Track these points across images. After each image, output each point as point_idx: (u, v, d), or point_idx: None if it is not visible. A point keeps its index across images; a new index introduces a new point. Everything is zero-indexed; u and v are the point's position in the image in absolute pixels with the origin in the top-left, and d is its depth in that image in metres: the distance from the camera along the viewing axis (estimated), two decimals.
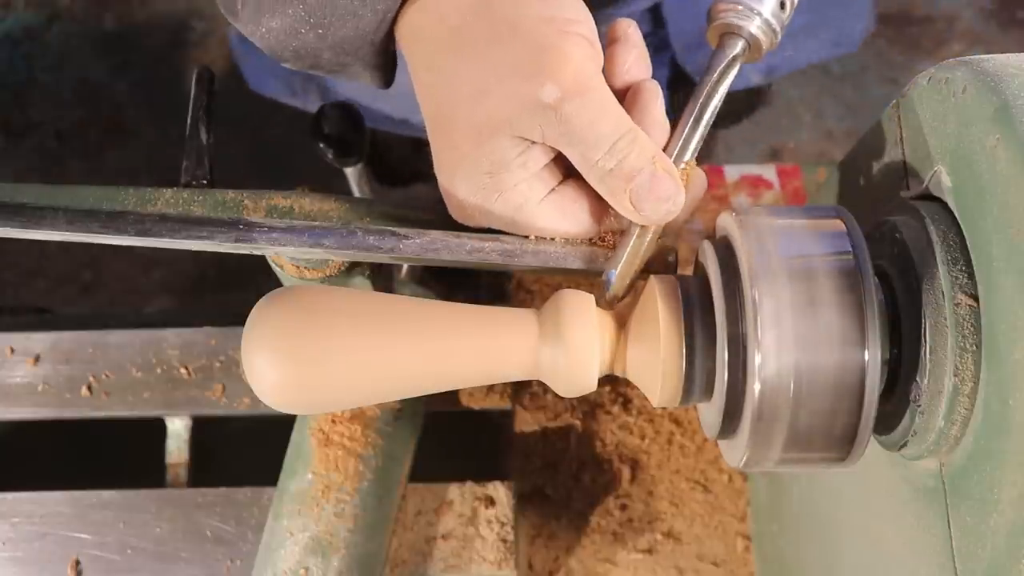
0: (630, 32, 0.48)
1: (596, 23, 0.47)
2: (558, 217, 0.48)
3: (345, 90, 0.92)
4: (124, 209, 0.51)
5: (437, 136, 0.48)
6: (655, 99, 0.47)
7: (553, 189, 0.48)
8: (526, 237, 0.48)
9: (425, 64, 0.48)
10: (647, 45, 0.80)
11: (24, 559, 0.74)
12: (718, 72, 0.48)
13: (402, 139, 1.00)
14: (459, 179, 0.47)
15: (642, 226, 0.46)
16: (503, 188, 0.47)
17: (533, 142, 0.46)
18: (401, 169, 1.12)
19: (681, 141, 0.47)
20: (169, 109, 1.76)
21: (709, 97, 0.48)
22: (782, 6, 0.48)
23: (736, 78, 0.48)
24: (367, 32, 0.49)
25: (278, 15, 0.48)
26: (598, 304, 0.45)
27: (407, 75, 0.51)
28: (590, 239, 0.48)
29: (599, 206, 0.48)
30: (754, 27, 0.48)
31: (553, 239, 0.48)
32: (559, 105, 0.44)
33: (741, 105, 1.36)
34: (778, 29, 0.49)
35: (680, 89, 0.90)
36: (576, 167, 0.46)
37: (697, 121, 0.48)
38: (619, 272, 0.47)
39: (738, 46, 0.48)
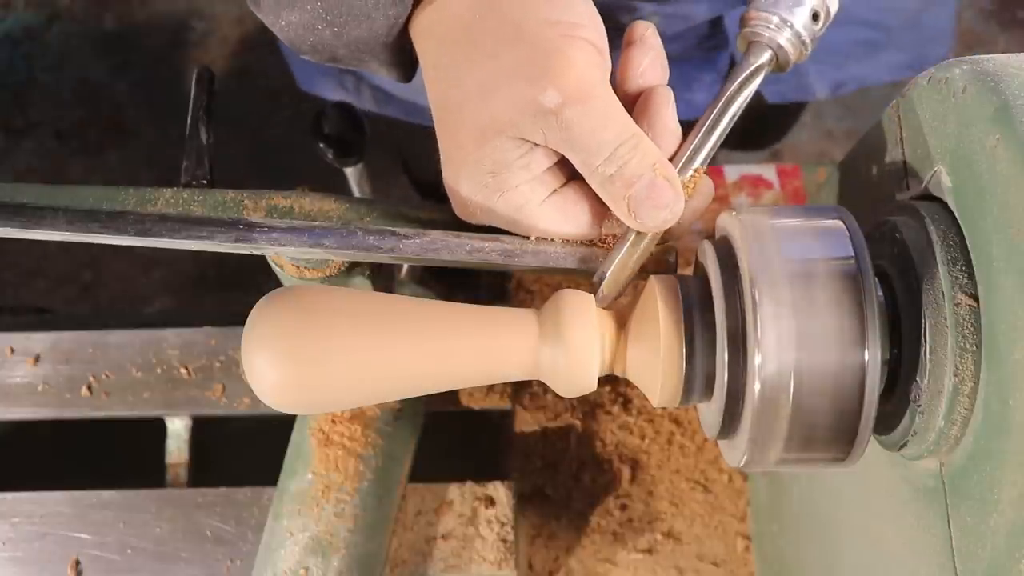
0: (647, 35, 0.48)
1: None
2: (559, 219, 0.48)
3: (394, 85, 0.92)
4: (124, 209, 0.51)
5: (443, 134, 0.48)
6: (666, 104, 0.47)
7: (555, 191, 0.48)
8: (526, 237, 0.48)
9: (434, 63, 0.48)
10: (706, 46, 0.80)
11: (24, 559, 0.74)
12: (739, 81, 0.47)
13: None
14: (462, 177, 0.47)
15: (639, 232, 0.46)
16: (505, 188, 0.47)
17: (535, 144, 0.46)
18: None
19: (692, 148, 0.47)
20: (169, 109, 1.76)
21: (727, 105, 0.47)
22: (815, 18, 0.48)
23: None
24: (380, 34, 0.49)
25: (297, 9, 0.49)
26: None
27: None
28: (591, 241, 0.48)
29: (601, 209, 0.48)
30: (783, 38, 0.47)
31: (553, 240, 0.48)
32: (560, 111, 0.44)
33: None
34: (808, 41, 0.48)
35: None
36: (578, 169, 0.46)
37: (711, 129, 0.47)
38: (611, 274, 0.47)
39: (764, 56, 0.48)
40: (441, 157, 0.49)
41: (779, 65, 0.49)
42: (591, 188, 0.47)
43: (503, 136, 0.45)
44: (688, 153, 0.47)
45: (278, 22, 0.50)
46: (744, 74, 0.48)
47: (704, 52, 0.86)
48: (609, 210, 0.47)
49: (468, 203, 0.48)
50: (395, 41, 0.50)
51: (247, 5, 0.51)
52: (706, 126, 0.47)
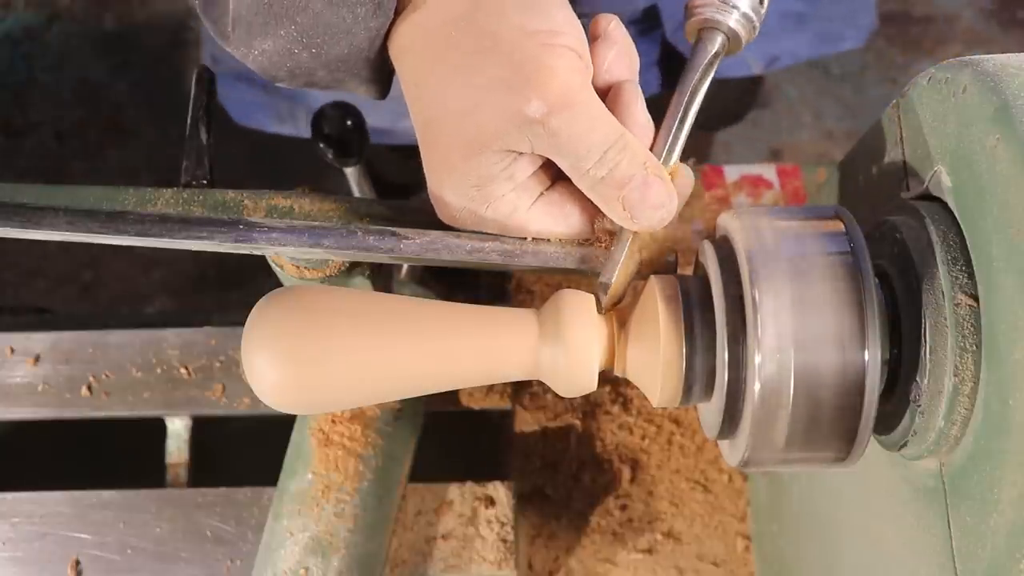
0: (611, 29, 0.47)
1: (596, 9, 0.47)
2: (550, 221, 0.48)
3: None
4: (124, 209, 0.51)
5: (427, 149, 0.48)
6: (636, 100, 0.46)
7: (542, 194, 0.48)
8: (524, 238, 0.48)
9: (414, 80, 0.48)
10: (640, 28, 0.79)
11: (24, 559, 0.74)
12: (700, 70, 0.48)
13: (392, 150, 1.00)
14: (448, 190, 0.47)
15: (635, 232, 0.46)
16: (492, 199, 0.47)
17: (521, 153, 0.46)
18: (398, 180, 1.13)
19: (668, 143, 0.47)
20: (169, 109, 1.76)
21: (693, 95, 0.47)
22: None
23: (736, 66, 0.48)
24: (361, 49, 0.49)
25: (270, 37, 0.48)
26: (596, 309, 0.45)
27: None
28: (586, 239, 0.48)
29: (590, 207, 0.48)
30: (732, 21, 0.47)
31: (552, 240, 0.48)
32: (546, 120, 0.44)
33: (742, 105, 1.36)
34: (756, 22, 0.48)
35: (670, 65, 0.90)
36: (567, 174, 0.46)
37: (682, 121, 0.47)
38: (617, 277, 0.47)
39: (718, 42, 0.48)
40: (425, 170, 0.48)
41: (731, 48, 0.49)
42: (577, 188, 0.47)
43: (489, 150, 0.45)
44: (666, 148, 0.47)
45: (251, 52, 0.49)
46: (704, 63, 0.48)
47: (638, 33, 0.86)
48: (598, 208, 0.47)
49: (456, 214, 0.48)
50: (376, 56, 0.50)
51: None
52: (677, 119, 0.47)
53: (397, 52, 0.49)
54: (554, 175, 0.48)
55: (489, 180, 0.46)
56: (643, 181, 0.45)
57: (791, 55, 0.96)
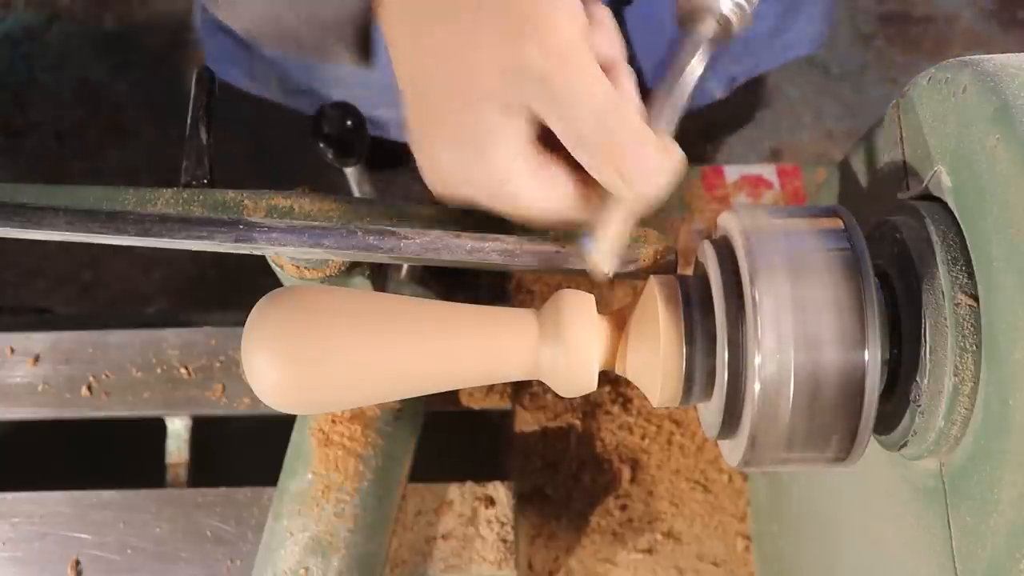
0: (602, 15, 0.47)
1: None
2: (542, 192, 0.46)
3: (304, 78, 0.92)
4: (124, 209, 0.51)
5: (415, 109, 0.47)
6: (628, 79, 0.46)
7: (538, 164, 0.46)
8: (526, 237, 0.48)
9: (403, 34, 0.47)
10: None
11: (24, 559, 0.74)
12: (697, 54, 0.47)
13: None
14: (438, 150, 0.46)
15: (627, 201, 0.45)
16: (486, 160, 0.46)
17: (517, 114, 0.45)
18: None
19: (664, 119, 0.46)
20: (169, 109, 1.75)
21: (687, 78, 0.47)
22: None
23: (700, 96, 0.47)
24: (349, 9, 0.48)
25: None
26: (594, 296, 0.44)
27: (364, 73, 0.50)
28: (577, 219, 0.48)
29: (584, 180, 0.47)
30: (725, 7, 0.47)
31: (553, 240, 0.48)
32: (546, 74, 0.43)
33: (741, 106, 1.36)
34: (748, 9, 0.48)
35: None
36: (561, 139, 0.45)
37: (676, 99, 0.47)
38: (603, 241, 0.46)
39: (710, 26, 0.48)
40: (412, 137, 0.47)
41: (723, 35, 0.49)
42: (572, 160, 0.45)
43: (483, 104, 0.44)
44: (661, 126, 0.46)
45: (239, 16, 0.49)
46: (694, 46, 0.47)
47: None
48: (592, 182, 0.46)
49: (447, 181, 0.47)
50: (363, 18, 0.48)
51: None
52: (670, 97, 0.47)
53: (385, 9, 0.48)
54: (549, 146, 0.46)
55: (485, 135, 0.45)
56: (639, 146, 0.44)
57: (748, 72, 0.96)
